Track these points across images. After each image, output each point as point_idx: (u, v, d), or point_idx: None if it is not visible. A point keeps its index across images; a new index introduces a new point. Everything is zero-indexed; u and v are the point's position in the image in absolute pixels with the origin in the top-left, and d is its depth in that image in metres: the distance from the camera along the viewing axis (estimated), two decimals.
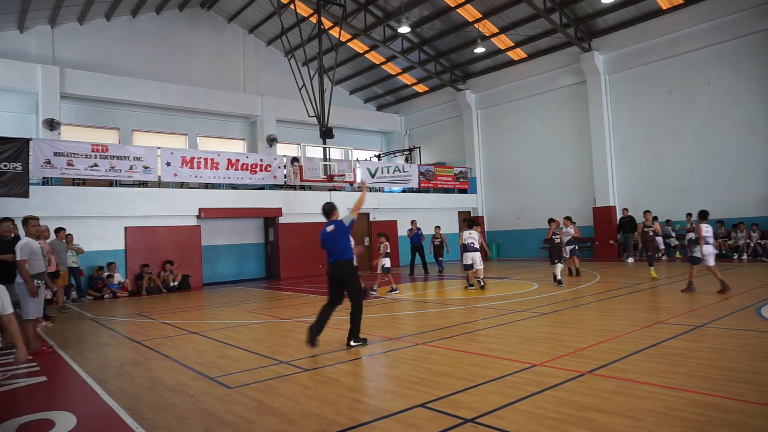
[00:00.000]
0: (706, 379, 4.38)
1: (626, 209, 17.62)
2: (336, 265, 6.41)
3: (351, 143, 25.47)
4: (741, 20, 15.79)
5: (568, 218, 13.03)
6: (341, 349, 6.31)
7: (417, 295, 11.97)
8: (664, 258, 16.45)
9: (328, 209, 6.69)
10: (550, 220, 12.51)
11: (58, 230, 11.79)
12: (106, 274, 14.22)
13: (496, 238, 23.01)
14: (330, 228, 6.48)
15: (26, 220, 7.21)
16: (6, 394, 5.05)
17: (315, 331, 6.10)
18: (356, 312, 6.40)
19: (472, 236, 11.54)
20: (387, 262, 11.87)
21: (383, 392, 4.61)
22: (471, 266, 11.43)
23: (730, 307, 7.72)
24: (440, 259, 16.59)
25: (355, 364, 5.71)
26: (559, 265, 11.66)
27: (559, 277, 11.51)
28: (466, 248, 11.46)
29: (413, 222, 17.00)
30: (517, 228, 22.12)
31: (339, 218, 6.65)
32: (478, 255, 11.45)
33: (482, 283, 11.40)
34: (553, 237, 11.95)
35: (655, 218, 12.48)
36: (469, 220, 12.73)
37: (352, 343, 6.40)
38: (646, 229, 12.27)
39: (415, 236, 16.55)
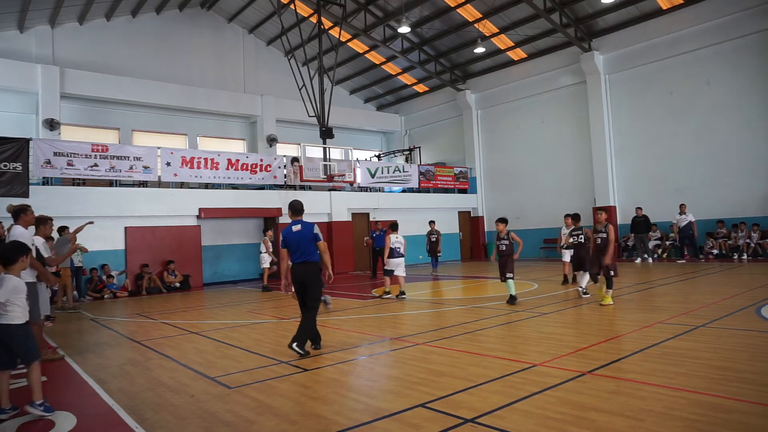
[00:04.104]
0: (706, 379, 4.38)
1: (640, 208, 16.97)
2: (301, 266, 6.14)
3: (351, 143, 25.47)
4: (741, 20, 15.78)
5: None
6: (341, 349, 6.31)
7: (417, 295, 11.96)
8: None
9: (299, 208, 6.41)
10: (568, 216, 10.90)
11: (62, 229, 11.58)
12: (105, 275, 14.24)
13: None
14: (297, 227, 6.21)
15: (45, 220, 6.95)
16: None
17: (303, 339, 5.95)
18: (310, 317, 6.07)
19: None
20: (267, 260, 10.64)
21: (383, 392, 4.61)
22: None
23: (730, 307, 7.71)
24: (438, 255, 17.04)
25: (355, 364, 5.71)
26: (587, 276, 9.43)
27: (584, 286, 9.42)
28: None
29: (378, 222, 16.97)
30: (517, 228, 22.05)
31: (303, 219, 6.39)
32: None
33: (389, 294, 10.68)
34: (572, 238, 9.82)
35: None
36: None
37: (294, 346, 5.84)
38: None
39: (378, 238, 15.49)
